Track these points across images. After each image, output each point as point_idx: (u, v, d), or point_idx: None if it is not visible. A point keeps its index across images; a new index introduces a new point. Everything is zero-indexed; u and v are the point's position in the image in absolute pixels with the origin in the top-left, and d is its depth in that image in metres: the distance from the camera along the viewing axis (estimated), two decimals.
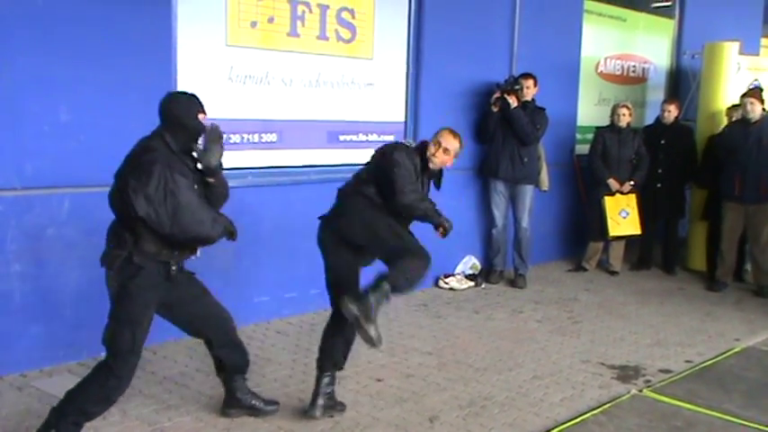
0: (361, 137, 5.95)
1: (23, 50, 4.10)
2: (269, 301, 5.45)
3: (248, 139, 5.18)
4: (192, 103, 3.35)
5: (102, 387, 3.22)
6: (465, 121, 6.64)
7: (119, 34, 4.46)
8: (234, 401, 3.77)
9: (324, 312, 5.70)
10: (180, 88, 4.53)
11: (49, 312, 4.36)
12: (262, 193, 5.29)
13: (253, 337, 5.02)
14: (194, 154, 3.30)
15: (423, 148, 3.87)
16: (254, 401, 3.80)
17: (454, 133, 3.90)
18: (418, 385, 4.34)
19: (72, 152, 4.33)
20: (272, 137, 5.35)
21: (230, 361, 3.70)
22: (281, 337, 5.15)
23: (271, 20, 5.24)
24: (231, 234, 3.39)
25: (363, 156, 5.92)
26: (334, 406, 3.88)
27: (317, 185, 5.64)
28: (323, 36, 5.56)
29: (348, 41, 5.74)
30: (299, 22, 5.40)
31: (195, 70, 4.84)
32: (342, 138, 5.83)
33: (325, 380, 3.83)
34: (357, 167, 5.80)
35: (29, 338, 4.28)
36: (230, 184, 3.56)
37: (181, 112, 3.28)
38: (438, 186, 4.00)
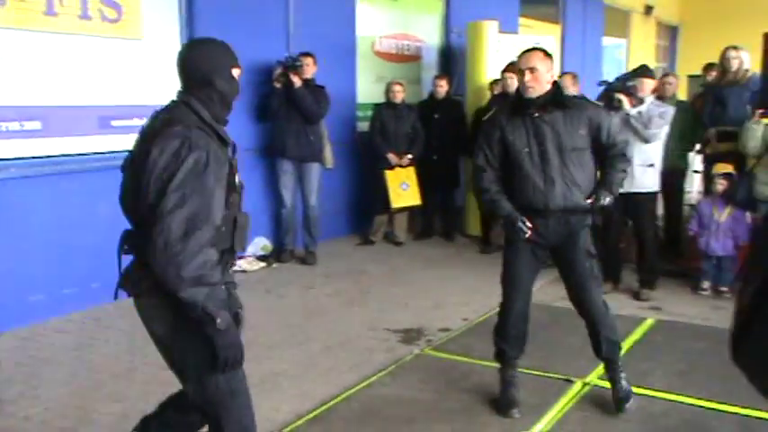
0: (137, 121, 5.70)
1: None
2: (45, 299, 5.13)
3: (7, 128, 4.81)
4: (224, 54, 2.51)
5: None
6: (246, 101, 6.62)
7: None
8: None
9: (105, 306, 5.50)
10: None
11: None
12: (28, 184, 4.96)
13: (29, 339, 4.71)
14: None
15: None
16: None
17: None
18: None
19: None
20: (36, 124, 5.00)
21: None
22: (62, 335, 4.87)
23: None
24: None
25: None
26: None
27: (91, 174, 5.39)
28: (85, 15, 5.26)
29: (114, 21, 5.47)
30: (56, 1, 5.06)
31: None
32: (115, 123, 5.58)
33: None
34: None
35: None
36: None
37: (211, 66, 2.44)
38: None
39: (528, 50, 3.58)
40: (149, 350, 4.47)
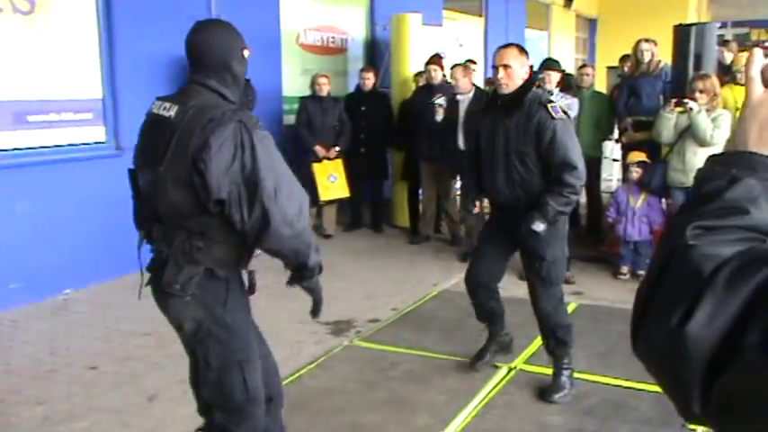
0: (54, 116, 5.55)
1: None
2: None
3: None
4: (235, 36, 2.44)
5: None
6: None
7: None
8: None
9: (25, 308, 5.33)
10: None
11: None
12: None
13: None
14: None
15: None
16: None
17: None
18: (137, 367, 4.24)
19: None
20: None
21: None
22: None
23: None
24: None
25: (58, 137, 5.59)
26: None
27: (6, 171, 5.21)
28: None
29: (27, 13, 5.27)
30: None
31: None
32: (31, 118, 5.39)
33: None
34: (52, 149, 5.49)
35: None
36: None
37: (226, 49, 2.38)
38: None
39: (503, 47, 3.64)
40: (71, 351, 4.42)
